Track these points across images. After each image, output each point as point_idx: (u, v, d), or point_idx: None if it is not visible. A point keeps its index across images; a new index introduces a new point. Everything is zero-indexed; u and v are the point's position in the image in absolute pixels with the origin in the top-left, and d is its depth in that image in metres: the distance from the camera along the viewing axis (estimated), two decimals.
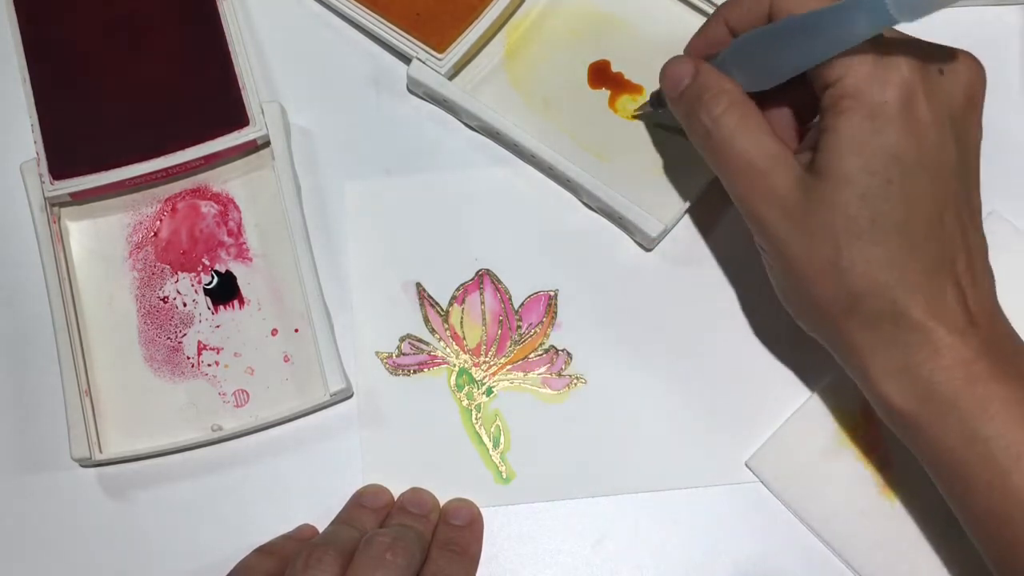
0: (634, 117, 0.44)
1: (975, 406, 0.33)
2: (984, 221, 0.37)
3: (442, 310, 0.44)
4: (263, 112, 0.44)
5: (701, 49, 0.40)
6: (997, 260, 0.37)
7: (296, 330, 0.43)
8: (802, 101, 0.37)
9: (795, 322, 0.38)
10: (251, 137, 0.43)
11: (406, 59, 0.45)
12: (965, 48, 0.46)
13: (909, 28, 0.32)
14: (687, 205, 0.43)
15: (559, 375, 0.43)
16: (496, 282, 0.44)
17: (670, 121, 0.41)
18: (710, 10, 0.45)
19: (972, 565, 0.38)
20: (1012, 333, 0.36)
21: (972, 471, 0.33)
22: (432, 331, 0.43)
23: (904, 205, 0.33)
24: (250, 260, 0.44)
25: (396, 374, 0.43)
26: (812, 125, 0.38)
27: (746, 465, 0.41)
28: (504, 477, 0.42)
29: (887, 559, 0.40)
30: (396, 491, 0.41)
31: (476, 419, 0.42)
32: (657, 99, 0.42)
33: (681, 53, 0.40)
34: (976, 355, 0.33)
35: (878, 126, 0.33)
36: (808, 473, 0.41)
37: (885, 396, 0.34)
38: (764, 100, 0.37)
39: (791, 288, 0.37)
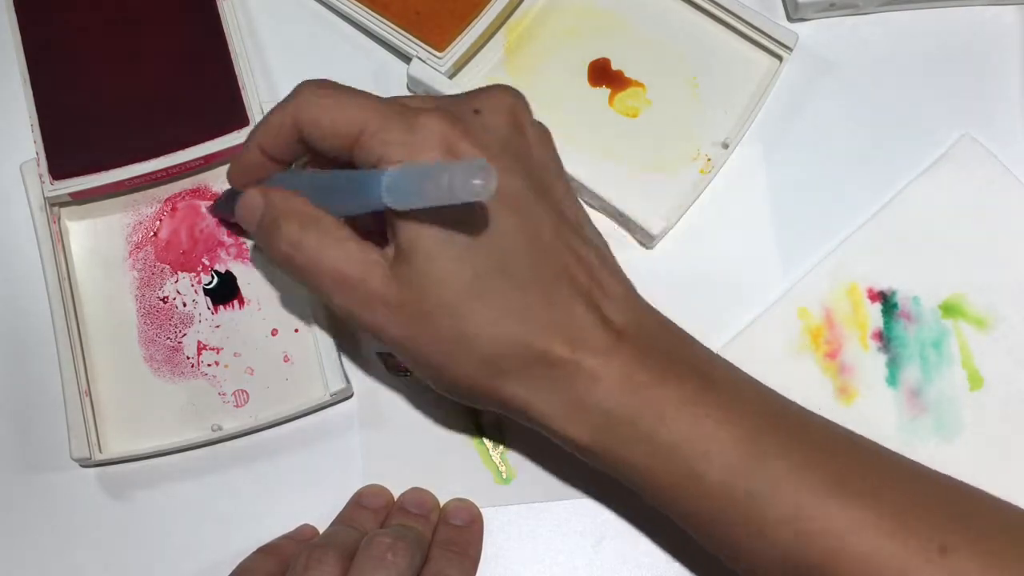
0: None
1: (652, 418, 0.33)
2: (956, 144, 0.42)
3: None
4: (263, 112, 0.44)
5: (244, 178, 0.37)
6: (968, 181, 0.42)
7: (296, 330, 0.43)
8: None
9: None
10: None
11: (406, 58, 0.45)
12: (964, 48, 0.46)
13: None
14: (689, 203, 0.43)
15: None
16: None
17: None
18: (709, 6, 0.45)
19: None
20: (662, 327, 0.35)
21: (670, 480, 0.33)
22: None
23: (497, 248, 0.32)
24: (250, 260, 0.44)
25: (396, 374, 0.43)
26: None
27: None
28: (504, 477, 0.42)
29: None
30: (396, 491, 0.41)
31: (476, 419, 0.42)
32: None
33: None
34: (633, 368, 0.33)
35: None
36: (768, 374, 0.38)
37: (571, 437, 0.34)
38: None
39: (436, 376, 0.35)
